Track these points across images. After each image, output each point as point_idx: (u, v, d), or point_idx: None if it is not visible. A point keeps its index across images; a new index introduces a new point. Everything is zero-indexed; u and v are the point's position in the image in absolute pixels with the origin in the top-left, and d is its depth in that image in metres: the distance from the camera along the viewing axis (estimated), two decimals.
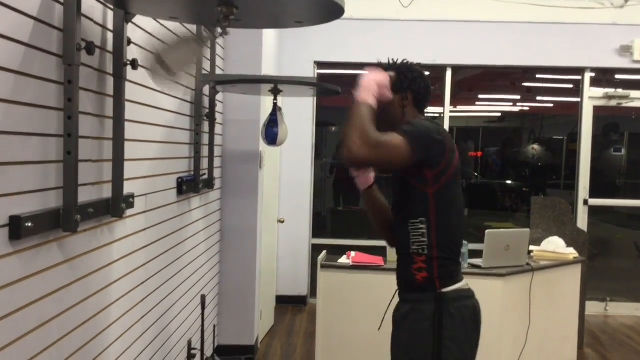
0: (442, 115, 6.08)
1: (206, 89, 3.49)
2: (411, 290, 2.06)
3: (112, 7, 2.04)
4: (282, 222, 5.46)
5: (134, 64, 2.11)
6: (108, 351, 2.17)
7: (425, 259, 1.99)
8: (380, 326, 2.40)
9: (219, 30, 1.85)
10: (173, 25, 2.79)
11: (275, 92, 3.46)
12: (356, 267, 3.91)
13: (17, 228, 1.49)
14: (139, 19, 2.30)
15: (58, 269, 1.76)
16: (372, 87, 1.98)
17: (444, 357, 1.93)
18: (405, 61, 2.18)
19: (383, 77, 2.03)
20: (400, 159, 1.91)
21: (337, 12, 1.84)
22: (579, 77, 5.91)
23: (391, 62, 2.19)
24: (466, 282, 2.06)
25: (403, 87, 2.12)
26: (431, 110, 8.49)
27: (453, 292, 1.99)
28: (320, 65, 5.92)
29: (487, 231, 3.84)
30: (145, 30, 2.44)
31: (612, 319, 5.76)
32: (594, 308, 5.77)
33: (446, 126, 5.96)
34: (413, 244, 2.02)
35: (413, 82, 2.12)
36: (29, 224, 1.53)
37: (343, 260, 4.00)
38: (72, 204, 1.73)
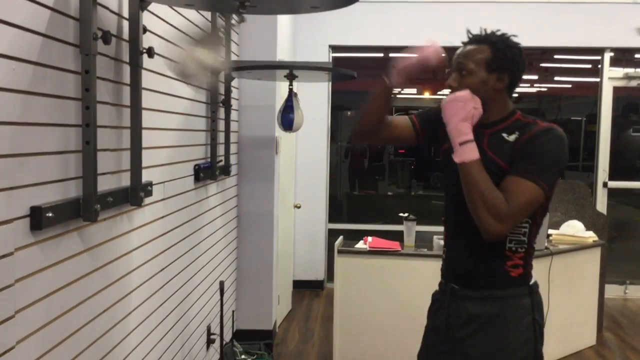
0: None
1: (221, 75, 3.48)
2: (501, 286, 1.86)
3: None
4: (299, 207, 5.47)
5: (150, 52, 2.10)
6: (129, 338, 2.19)
7: (523, 255, 1.86)
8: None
9: (236, 18, 1.83)
10: (190, 13, 2.78)
11: (291, 78, 3.44)
12: (373, 252, 3.92)
13: (38, 218, 1.50)
14: (154, 7, 2.29)
15: (79, 258, 1.77)
16: (463, 127, 1.76)
17: (538, 349, 1.87)
18: (499, 32, 1.87)
19: (468, 98, 1.78)
20: (539, 204, 1.78)
21: None
22: (598, 57, 5.82)
23: (483, 33, 1.88)
24: None
25: (502, 67, 1.82)
26: (446, 93, 8.41)
27: (535, 283, 1.92)
28: (335, 49, 5.88)
29: None
30: (161, 17, 2.43)
31: (631, 302, 5.71)
32: (613, 291, 5.72)
33: None
34: (510, 242, 1.84)
35: (512, 62, 1.83)
36: (50, 214, 1.54)
37: (360, 245, 4.00)
38: (92, 193, 1.74)
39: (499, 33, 1.87)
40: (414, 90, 8.42)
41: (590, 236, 4.35)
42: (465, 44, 1.90)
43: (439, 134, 1.98)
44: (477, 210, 1.74)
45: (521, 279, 1.87)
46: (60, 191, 1.64)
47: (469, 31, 1.90)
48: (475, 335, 1.86)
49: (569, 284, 4.17)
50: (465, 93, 1.80)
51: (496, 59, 1.82)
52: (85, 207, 1.73)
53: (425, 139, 2.09)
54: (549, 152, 1.76)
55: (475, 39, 1.87)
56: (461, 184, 1.79)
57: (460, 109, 1.77)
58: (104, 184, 1.91)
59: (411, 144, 2.14)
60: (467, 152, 1.75)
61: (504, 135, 1.84)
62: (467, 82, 1.84)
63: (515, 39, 1.88)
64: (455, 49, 1.92)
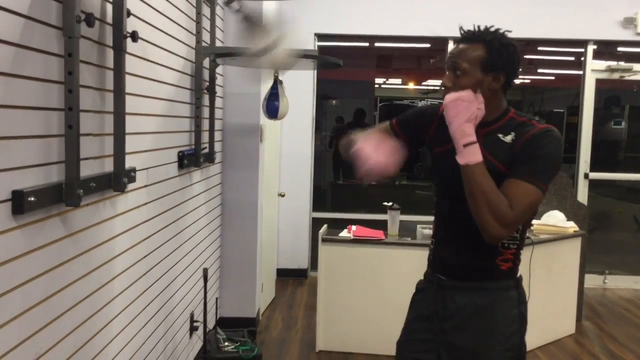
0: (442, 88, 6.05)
1: (206, 62, 3.46)
2: (490, 278, 1.86)
3: None
4: (283, 195, 5.46)
5: (134, 36, 2.08)
6: (111, 324, 2.18)
7: (515, 251, 1.87)
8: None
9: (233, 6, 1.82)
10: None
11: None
12: (357, 241, 3.93)
13: (19, 202, 1.48)
14: None
15: (61, 243, 1.76)
16: (467, 128, 1.71)
17: (524, 340, 1.88)
18: (492, 29, 1.79)
19: (472, 98, 1.74)
20: (538, 206, 1.78)
21: None
22: (582, 50, 5.86)
23: (476, 30, 1.80)
24: None
25: (497, 67, 1.76)
26: (431, 84, 8.43)
27: (520, 277, 1.93)
28: (320, 37, 5.85)
29: None
30: (144, 1, 2.40)
31: (610, 292, 5.80)
32: (592, 281, 5.81)
33: None
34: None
35: (508, 62, 1.77)
36: (32, 199, 1.52)
37: (344, 234, 4.01)
38: (74, 178, 1.72)
39: (492, 29, 1.80)
40: (398, 81, 8.41)
41: (571, 226, 4.40)
42: (458, 41, 1.83)
43: (423, 136, 1.98)
44: (481, 213, 1.70)
45: (509, 272, 1.88)
46: (42, 175, 1.62)
47: (461, 28, 1.83)
48: (463, 326, 1.86)
49: (549, 274, 4.22)
50: (468, 93, 1.74)
51: (491, 59, 1.76)
52: (68, 192, 1.71)
53: (410, 143, 2.01)
54: (548, 154, 1.75)
55: (468, 37, 1.79)
56: (462, 182, 1.75)
57: (464, 109, 1.72)
58: (87, 169, 1.89)
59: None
60: (471, 154, 1.71)
61: (500, 135, 1.80)
62: (462, 82, 1.77)
63: (509, 35, 1.81)
64: (440, 39, 1.92)
